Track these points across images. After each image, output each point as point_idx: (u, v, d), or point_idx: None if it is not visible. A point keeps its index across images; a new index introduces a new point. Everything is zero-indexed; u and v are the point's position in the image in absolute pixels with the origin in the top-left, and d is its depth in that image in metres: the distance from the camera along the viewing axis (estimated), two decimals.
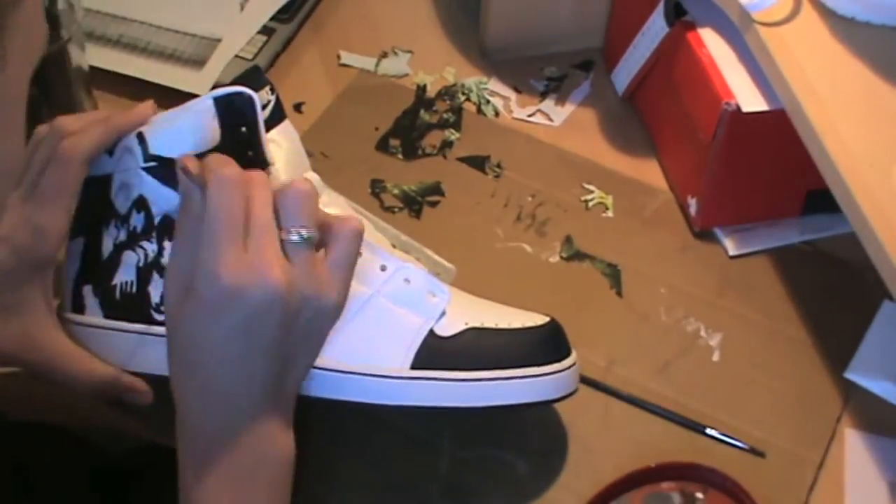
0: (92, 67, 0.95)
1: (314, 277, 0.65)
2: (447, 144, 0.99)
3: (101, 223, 0.73)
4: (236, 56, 1.02)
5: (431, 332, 0.73)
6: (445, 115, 1.01)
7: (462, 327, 0.74)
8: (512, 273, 0.90)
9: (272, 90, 0.74)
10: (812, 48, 0.81)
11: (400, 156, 0.98)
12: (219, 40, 1.03)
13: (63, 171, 0.70)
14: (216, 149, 0.70)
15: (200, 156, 0.69)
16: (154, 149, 0.71)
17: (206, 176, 0.64)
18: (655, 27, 0.92)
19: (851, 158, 0.75)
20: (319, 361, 0.70)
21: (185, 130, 0.71)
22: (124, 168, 0.72)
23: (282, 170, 0.72)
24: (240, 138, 0.70)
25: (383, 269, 0.73)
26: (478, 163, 0.98)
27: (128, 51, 1.02)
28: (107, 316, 0.74)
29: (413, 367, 0.72)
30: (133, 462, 0.94)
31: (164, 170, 0.70)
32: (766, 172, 0.89)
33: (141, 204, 0.72)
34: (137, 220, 0.72)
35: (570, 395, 0.76)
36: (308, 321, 0.65)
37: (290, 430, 0.67)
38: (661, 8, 0.91)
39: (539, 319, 0.76)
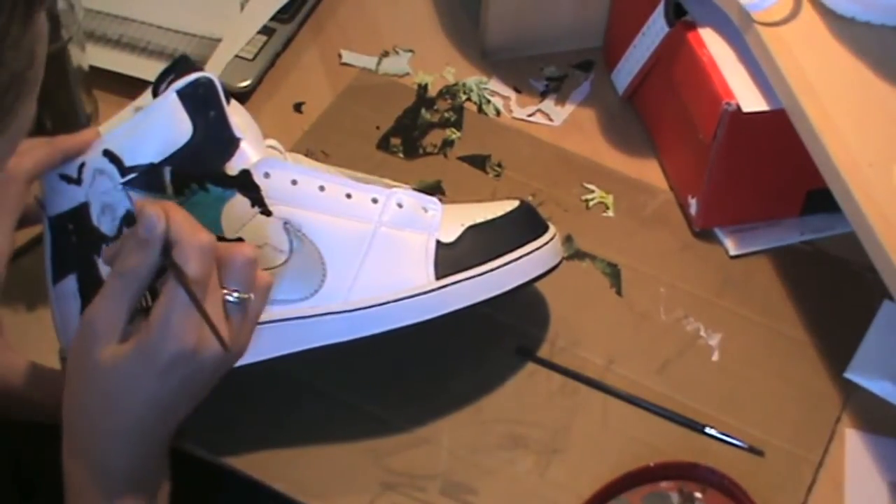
0: (92, 67, 0.95)
1: (242, 336, 0.66)
2: (448, 143, 0.99)
3: (91, 252, 0.73)
4: (236, 56, 1.02)
5: (438, 242, 0.76)
6: (446, 115, 1.01)
7: (461, 229, 0.78)
8: None
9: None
10: (812, 48, 0.81)
11: (401, 154, 0.98)
12: (219, 40, 1.03)
13: (4, 190, 0.71)
14: (191, 141, 0.70)
15: (176, 156, 0.70)
16: (130, 161, 0.71)
17: (177, 236, 0.64)
18: (656, 27, 0.92)
19: (851, 158, 0.75)
20: (349, 305, 0.74)
21: (156, 132, 0.71)
22: (101, 191, 0.72)
23: (249, 144, 0.73)
24: (210, 123, 0.71)
25: (375, 201, 0.76)
26: (478, 162, 0.98)
27: (128, 51, 1.02)
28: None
29: (438, 278, 0.76)
30: None
31: (147, 177, 0.70)
32: (766, 172, 0.89)
33: (130, 220, 0.71)
34: None
35: (558, 266, 0.82)
36: (225, 365, 0.67)
37: (167, 461, 0.69)
38: (661, 8, 0.91)
39: (512, 204, 0.82)
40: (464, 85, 1.03)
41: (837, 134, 0.76)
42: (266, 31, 1.05)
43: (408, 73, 1.05)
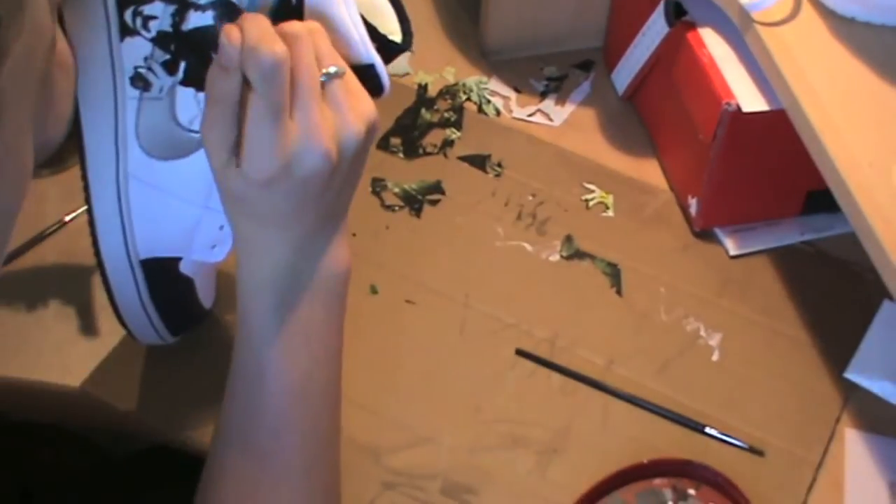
0: None
1: (352, 110, 0.64)
2: (448, 143, 0.99)
3: None
4: None
5: None
6: (446, 115, 1.01)
7: None
8: (512, 272, 0.90)
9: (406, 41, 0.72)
10: (812, 48, 0.81)
11: (401, 154, 0.98)
12: None
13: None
14: None
15: None
16: None
17: (248, 48, 0.61)
18: (655, 27, 0.92)
19: (851, 158, 0.75)
20: None
21: None
22: None
23: None
24: None
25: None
26: (478, 162, 0.98)
27: None
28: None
29: None
30: (135, 463, 0.94)
31: None
32: (766, 172, 0.89)
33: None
34: None
35: None
36: (352, 155, 0.65)
37: (345, 243, 0.69)
38: (661, 8, 0.91)
39: None
40: (464, 85, 1.03)
41: (837, 134, 0.76)
42: None
43: (408, 73, 1.05)
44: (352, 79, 0.65)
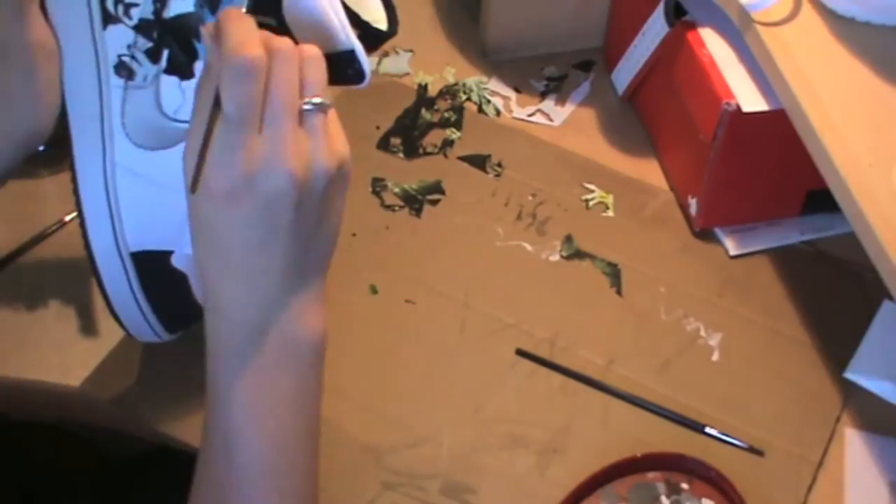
0: None
1: (328, 144, 0.62)
2: (448, 143, 0.99)
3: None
4: None
5: None
6: (446, 115, 1.01)
7: None
8: (512, 272, 0.90)
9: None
10: (812, 48, 0.81)
11: (401, 154, 0.98)
12: None
13: None
14: None
15: None
16: None
17: (225, 48, 0.59)
18: (656, 27, 0.92)
19: (851, 158, 0.75)
20: None
21: None
22: None
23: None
24: None
25: None
26: (478, 162, 0.98)
27: None
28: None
29: None
30: (135, 464, 0.94)
31: None
32: (766, 172, 0.89)
33: None
34: None
35: None
36: (326, 190, 0.62)
37: (321, 309, 0.64)
38: (661, 8, 0.91)
39: None
40: (464, 85, 1.03)
41: (837, 134, 0.76)
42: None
43: (408, 73, 1.05)
44: (334, 119, 0.63)
